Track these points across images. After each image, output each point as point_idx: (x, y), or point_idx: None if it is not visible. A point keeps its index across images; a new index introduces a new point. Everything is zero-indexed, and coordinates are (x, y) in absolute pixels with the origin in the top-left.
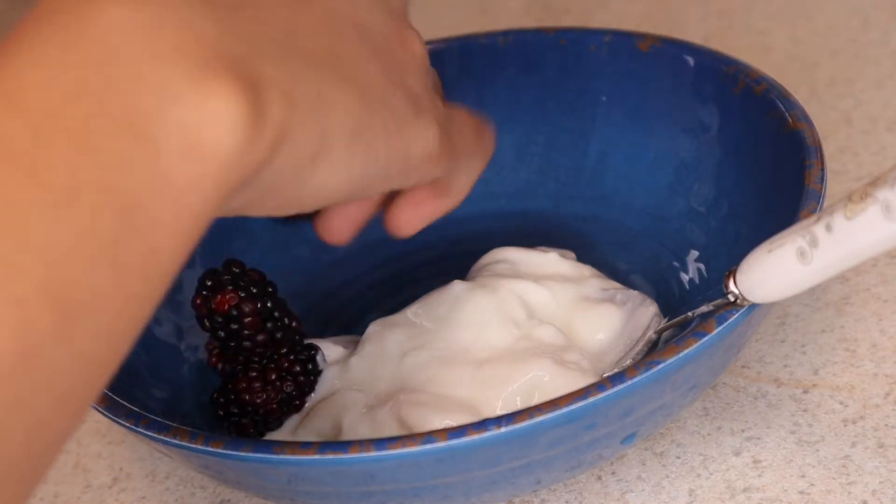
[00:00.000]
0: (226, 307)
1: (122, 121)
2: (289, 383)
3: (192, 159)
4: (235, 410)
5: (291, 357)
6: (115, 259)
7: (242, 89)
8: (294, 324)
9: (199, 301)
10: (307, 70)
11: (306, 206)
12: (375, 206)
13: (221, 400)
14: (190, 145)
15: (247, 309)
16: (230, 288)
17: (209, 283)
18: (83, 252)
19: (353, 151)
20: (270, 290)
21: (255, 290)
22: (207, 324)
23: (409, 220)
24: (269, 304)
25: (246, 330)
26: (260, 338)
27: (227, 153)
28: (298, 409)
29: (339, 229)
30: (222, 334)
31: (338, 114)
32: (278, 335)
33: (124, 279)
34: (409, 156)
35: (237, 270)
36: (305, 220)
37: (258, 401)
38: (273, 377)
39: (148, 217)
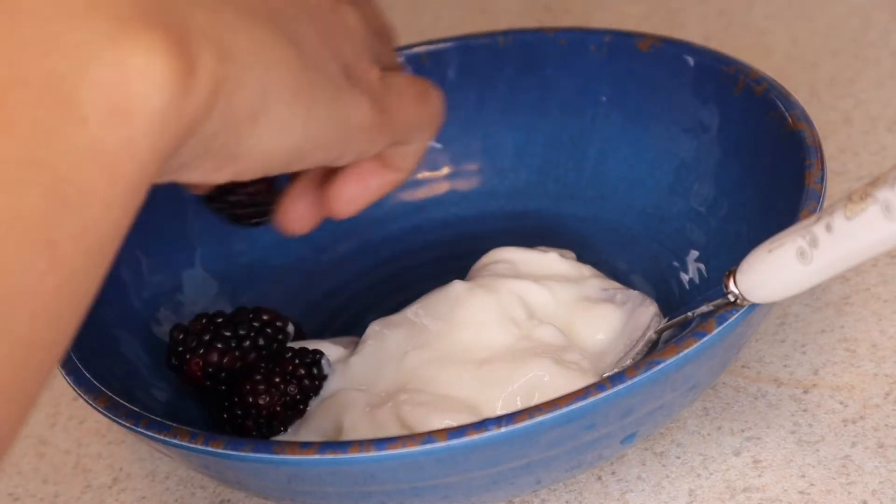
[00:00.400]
0: (199, 374)
1: (40, 87)
2: (293, 386)
3: (120, 122)
4: (239, 412)
5: (296, 361)
6: (48, 238)
7: (168, 40)
8: (279, 323)
9: (179, 374)
10: (241, 20)
11: (243, 168)
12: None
13: (226, 403)
14: (116, 106)
15: (224, 361)
16: (194, 355)
17: (179, 350)
18: (11, 235)
19: (293, 111)
20: (242, 331)
21: (220, 346)
22: (195, 387)
23: (354, 197)
24: (245, 344)
25: (232, 371)
26: (252, 356)
27: (158, 110)
28: (302, 413)
29: (302, 216)
30: (222, 387)
31: (277, 68)
32: (274, 346)
33: (60, 257)
34: (348, 124)
35: (199, 326)
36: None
37: (262, 402)
38: (277, 380)
39: (79, 189)
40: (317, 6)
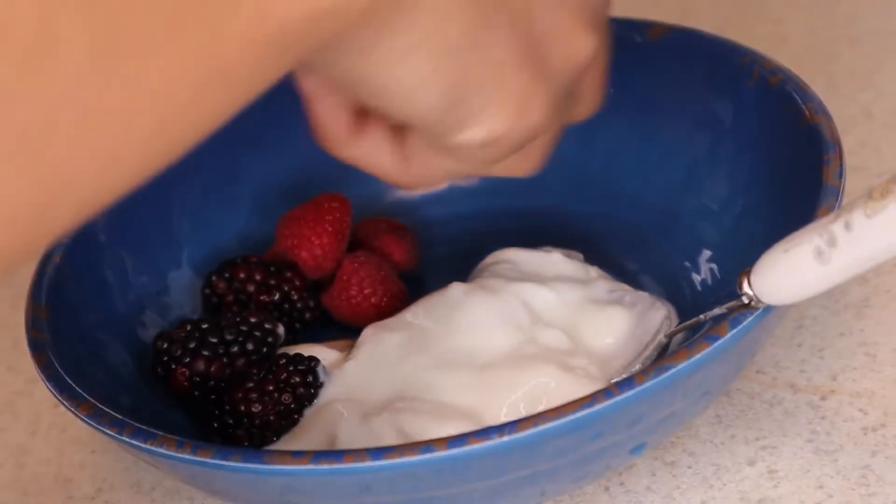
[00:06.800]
0: (186, 384)
1: None
2: (287, 395)
3: None
4: (230, 421)
5: (291, 368)
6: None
7: None
8: (268, 325)
9: (165, 384)
10: None
11: (370, 100)
12: None
13: (216, 411)
14: None
15: (210, 369)
16: (180, 364)
17: (164, 360)
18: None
19: (440, 70)
20: (229, 336)
21: (206, 353)
22: (183, 397)
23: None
24: (233, 350)
25: (221, 380)
26: (241, 362)
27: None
28: (296, 422)
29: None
30: (211, 396)
31: (453, 19)
32: (264, 350)
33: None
34: (474, 120)
35: (184, 333)
36: None
37: (254, 411)
38: (271, 388)
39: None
40: (536, 18)
